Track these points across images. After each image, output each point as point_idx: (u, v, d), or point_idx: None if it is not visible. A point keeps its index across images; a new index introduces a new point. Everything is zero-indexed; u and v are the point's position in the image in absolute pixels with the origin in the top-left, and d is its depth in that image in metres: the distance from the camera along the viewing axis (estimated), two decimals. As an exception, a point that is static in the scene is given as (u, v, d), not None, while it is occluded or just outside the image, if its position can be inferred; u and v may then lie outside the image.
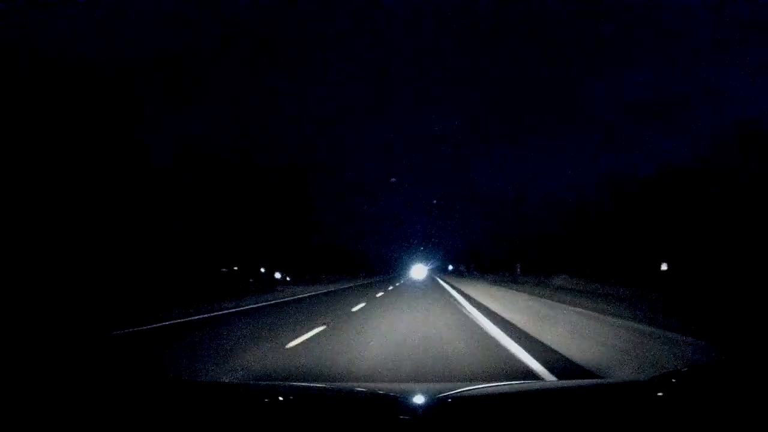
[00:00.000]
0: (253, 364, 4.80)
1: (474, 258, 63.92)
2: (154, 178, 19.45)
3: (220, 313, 10.61)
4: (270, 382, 3.86)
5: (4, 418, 1.21)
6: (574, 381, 3.98)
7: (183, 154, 23.04)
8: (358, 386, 1.93)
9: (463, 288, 22.45)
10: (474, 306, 12.02)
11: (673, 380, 1.75)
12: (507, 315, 9.33)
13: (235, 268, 24.95)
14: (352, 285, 28.81)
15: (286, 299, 15.64)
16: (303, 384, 2.82)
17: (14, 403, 1.32)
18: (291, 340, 6.19)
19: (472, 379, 4.20)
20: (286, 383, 3.38)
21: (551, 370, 4.42)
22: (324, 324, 7.98)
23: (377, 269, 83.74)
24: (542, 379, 4.21)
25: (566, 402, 1.68)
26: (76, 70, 15.65)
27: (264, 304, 13.39)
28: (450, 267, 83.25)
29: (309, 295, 17.73)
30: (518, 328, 7.46)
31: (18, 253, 12.40)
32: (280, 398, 1.74)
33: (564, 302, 12.12)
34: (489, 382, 2.17)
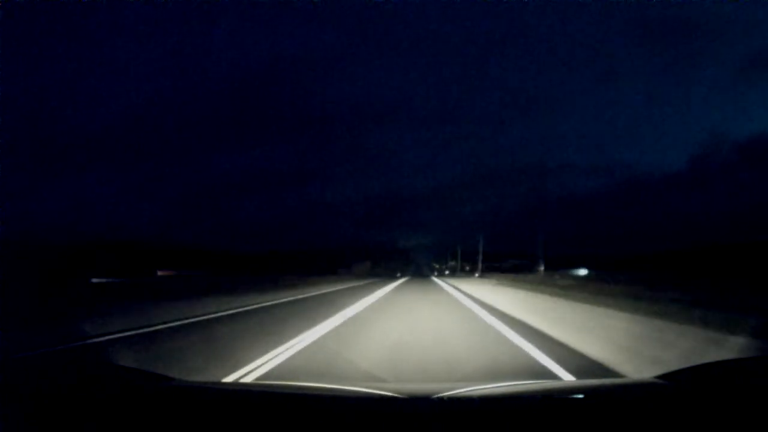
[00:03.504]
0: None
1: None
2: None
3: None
4: (269, 382, 3.88)
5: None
6: (578, 381, 4.00)
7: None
8: (359, 386, 1.92)
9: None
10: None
11: (680, 378, 1.73)
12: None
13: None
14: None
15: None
16: (302, 384, 2.83)
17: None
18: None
19: (475, 380, 4.20)
20: (286, 383, 3.39)
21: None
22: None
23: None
24: (546, 379, 4.20)
25: (569, 403, 1.66)
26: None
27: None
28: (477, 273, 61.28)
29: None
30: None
31: None
32: (280, 399, 1.73)
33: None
34: (491, 382, 2.14)
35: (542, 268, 40.67)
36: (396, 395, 1.55)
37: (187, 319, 9.89)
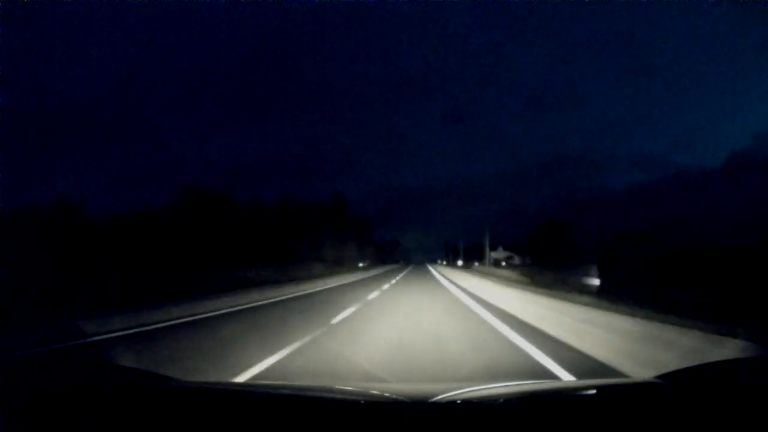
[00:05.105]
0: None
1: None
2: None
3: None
4: (270, 383, 3.86)
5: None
6: (577, 381, 4.01)
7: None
8: (358, 387, 1.92)
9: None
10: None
11: (680, 378, 1.73)
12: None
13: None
14: None
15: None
16: (302, 384, 2.83)
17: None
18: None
19: (475, 380, 4.21)
20: (286, 383, 3.40)
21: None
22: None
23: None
24: (545, 380, 4.20)
25: (569, 403, 1.66)
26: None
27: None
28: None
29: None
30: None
31: None
32: (279, 400, 1.73)
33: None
34: (490, 382, 2.14)
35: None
36: (396, 397, 1.54)
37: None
